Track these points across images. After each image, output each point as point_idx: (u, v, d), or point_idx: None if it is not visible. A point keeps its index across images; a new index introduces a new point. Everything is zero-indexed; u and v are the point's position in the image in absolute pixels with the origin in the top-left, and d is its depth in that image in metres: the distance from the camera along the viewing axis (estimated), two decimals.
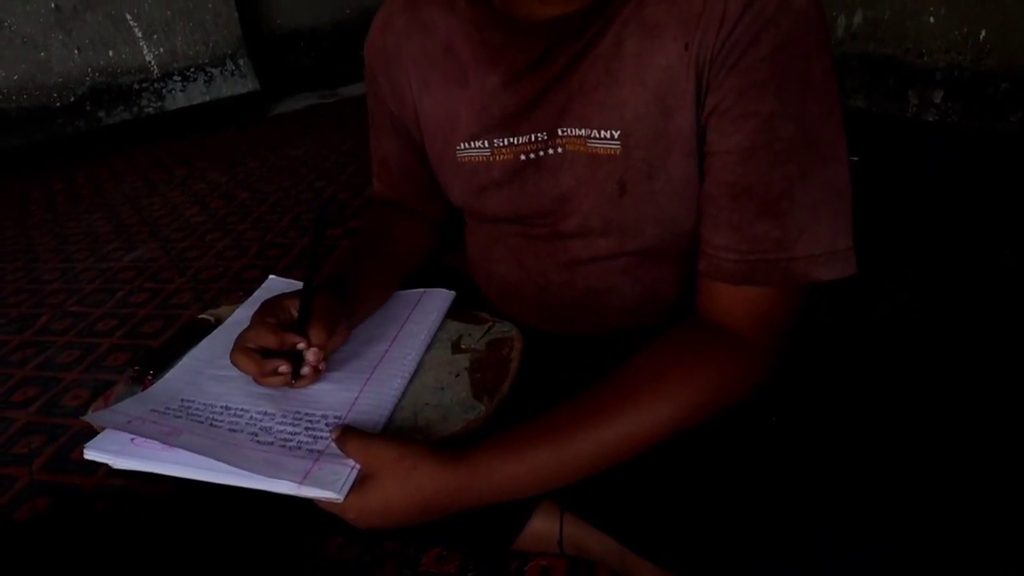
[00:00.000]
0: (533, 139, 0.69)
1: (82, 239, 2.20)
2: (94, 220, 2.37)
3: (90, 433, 0.63)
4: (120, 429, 0.63)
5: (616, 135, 0.64)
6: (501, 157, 0.71)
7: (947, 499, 0.57)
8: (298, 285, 0.76)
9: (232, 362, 0.66)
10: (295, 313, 0.67)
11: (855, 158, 1.84)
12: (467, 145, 0.72)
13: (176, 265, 1.92)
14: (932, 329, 1.21)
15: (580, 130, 0.66)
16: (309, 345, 0.65)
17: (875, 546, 0.53)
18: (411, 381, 0.72)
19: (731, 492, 0.59)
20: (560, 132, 0.67)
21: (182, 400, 0.69)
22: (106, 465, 0.61)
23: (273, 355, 0.65)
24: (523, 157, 0.70)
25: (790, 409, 0.63)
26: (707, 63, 0.58)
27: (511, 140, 0.69)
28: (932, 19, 1.73)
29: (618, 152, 0.64)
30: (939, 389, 1.02)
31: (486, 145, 0.71)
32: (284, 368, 0.64)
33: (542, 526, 0.79)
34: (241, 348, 0.65)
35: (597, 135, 0.65)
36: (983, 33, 1.65)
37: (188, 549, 0.85)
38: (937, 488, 0.58)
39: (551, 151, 0.68)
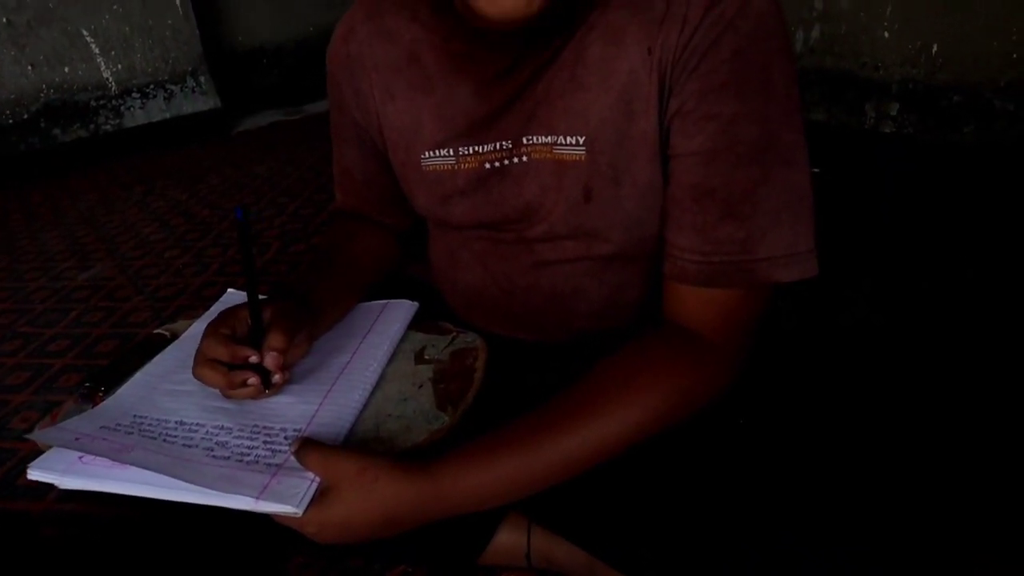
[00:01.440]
0: (498, 147, 0.68)
1: (34, 258, 2.14)
2: (48, 239, 2.30)
3: (39, 455, 0.60)
4: (67, 447, 0.60)
5: (581, 140, 0.64)
6: (466, 165, 0.70)
7: (917, 501, 0.57)
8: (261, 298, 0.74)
9: (196, 376, 0.64)
10: (251, 322, 0.65)
11: (816, 169, 1.88)
12: (432, 154, 0.72)
13: (133, 283, 1.87)
14: (891, 337, 1.23)
15: (546, 137, 0.66)
16: (261, 357, 0.63)
17: (848, 549, 0.53)
18: (373, 393, 0.71)
19: (701, 497, 0.59)
20: (525, 140, 0.67)
21: (134, 416, 0.66)
22: (55, 489, 0.58)
23: (240, 367, 0.63)
24: (488, 166, 0.69)
25: (757, 412, 0.63)
26: (669, 66, 0.58)
27: (476, 148, 0.69)
28: (887, 34, 1.78)
29: (583, 158, 0.64)
30: (903, 394, 1.04)
31: (451, 153, 0.71)
32: (253, 380, 0.63)
33: (509, 539, 0.78)
34: (204, 362, 0.63)
35: (563, 141, 0.65)
36: (935, 47, 1.70)
37: (140, 574, 0.82)
38: (907, 490, 0.58)
39: (516, 160, 0.68)
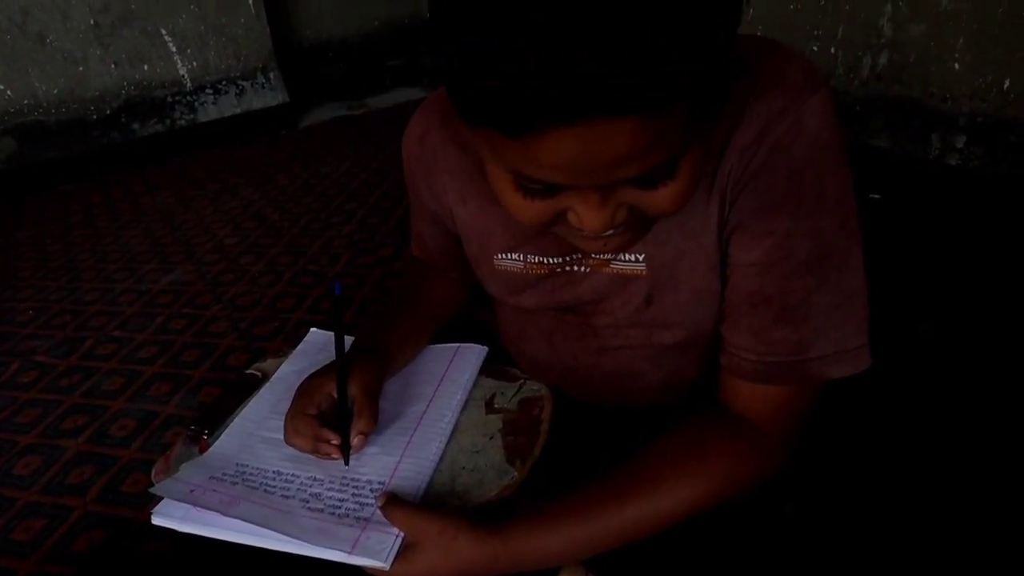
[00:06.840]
0: (563, 260, 0.72)
1: (120, 258, 2.26)
2: (131, 237, 2.43)
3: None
4: (184, 500, 0.68)
5: (641, 258, 0.68)
6: (533, 270, 0.75)
7: None
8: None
9: (287, 443, 0.72)
10: (335, 396, 0.73)
11: (876, 196, 1.85)
12: (503, 256, 0.76)
13: (212, 290, 1.97)
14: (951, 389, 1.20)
15: (607, 255, 0.69)
16: (340, 440, 0.71)
17: None
18: (448, 442, 0.77)
19: (743, 566, 0.64)
20: (592, 256, 0.71)
21: (237, 464, 0.74)
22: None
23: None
24: (557, 270, 0.74)
25: (803, 498, 0.67)
26: (728, 189, 0.61)
27: (542, 259, 0.73)
28: (957, 65, 1.75)
29: (643, 272, 0.68)
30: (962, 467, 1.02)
31: (520, 258, 0.75)
32: (335, 455, 0.71)
33: None
34: (292, 433, 0.72)
35: (623, 258, 0.69)
36: (1007, 82, 1.67)
37: None
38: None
39: (580, 268, 0.72)
